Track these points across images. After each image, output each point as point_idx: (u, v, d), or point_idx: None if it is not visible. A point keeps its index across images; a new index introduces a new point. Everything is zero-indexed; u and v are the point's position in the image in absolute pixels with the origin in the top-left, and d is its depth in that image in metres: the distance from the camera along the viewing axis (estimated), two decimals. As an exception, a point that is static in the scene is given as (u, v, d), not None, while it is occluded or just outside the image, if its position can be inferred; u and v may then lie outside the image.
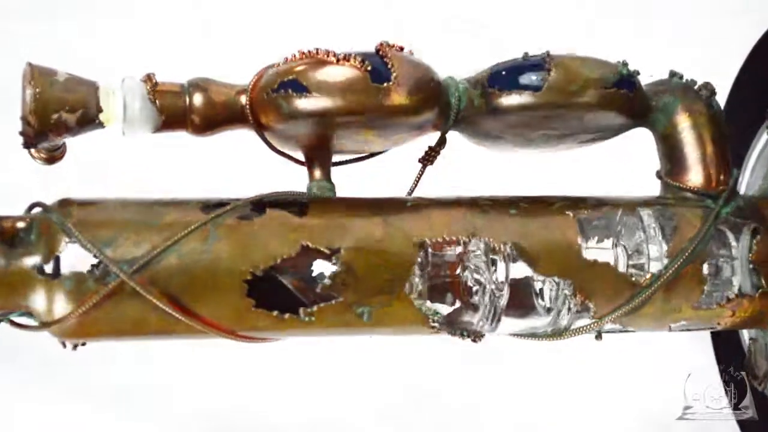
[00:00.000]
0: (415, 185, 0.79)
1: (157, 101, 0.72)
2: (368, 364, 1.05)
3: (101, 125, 0.71)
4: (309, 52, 0.72)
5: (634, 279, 0.75)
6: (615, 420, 1.02)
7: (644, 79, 0.80)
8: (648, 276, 0.75)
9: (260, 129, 0.73)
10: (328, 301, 0.71)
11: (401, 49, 0.74)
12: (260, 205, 0.72)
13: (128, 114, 0.71)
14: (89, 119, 0.70)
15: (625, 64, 0.77)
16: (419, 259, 0.72)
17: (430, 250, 0.72)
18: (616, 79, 0.76)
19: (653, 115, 0.78)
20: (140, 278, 0.68)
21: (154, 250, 0.69)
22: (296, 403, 1.03)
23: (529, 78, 0.75)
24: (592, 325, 0.75)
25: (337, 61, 0.71)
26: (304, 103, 0.71)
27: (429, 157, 0.78)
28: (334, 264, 0.71)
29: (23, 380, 1.02)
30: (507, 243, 0.73)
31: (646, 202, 0.77)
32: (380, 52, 0.72)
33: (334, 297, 0.71)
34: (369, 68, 0.71)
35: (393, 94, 0.71)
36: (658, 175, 0.80)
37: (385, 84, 0.71)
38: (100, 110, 0.70)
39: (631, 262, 0.75)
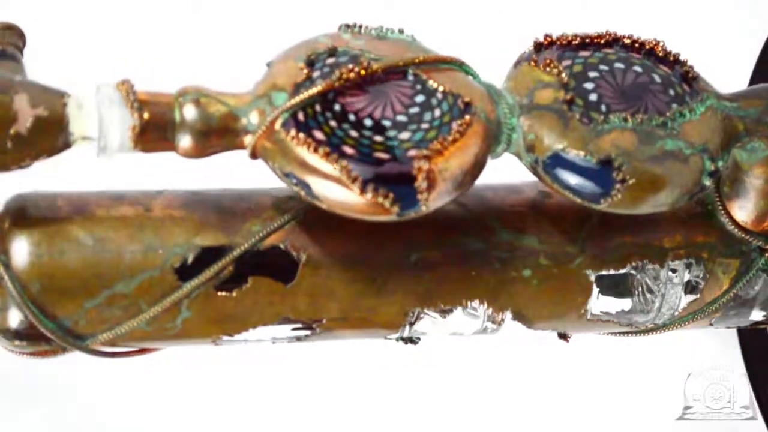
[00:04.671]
0: None
1: (140, 115, 0.58)
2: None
3: (68, 148, 0.60)
4: (348, 72, 0.59)
5: (633, 328, 0.71)
6: (615, 420, 1.02)
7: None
8: (650, 326, 0.71)
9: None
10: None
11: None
12: (245, 266, 0.63)
13: (104, 130, 0.58)
14: (55, 154, 0.59)
15: (711, 174, 0.63)
16: (406, 325, 0.67)
17: (418, 315, 0.67)
18: (693, 192, 0.64)
19: (735, 150, 0.66)
20: (100, 344, 0.64)
21: (117, 326, 0.62)
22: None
23: (591, 194, 0.62)
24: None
25: (362, 191, 0.58)
26: (313, 201, 0.59)
27: None
28: (313, 330, 0.66)
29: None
30: (507, 309, 0.67)
31: (684, 244, 0.69)
32: (416, 181, 0.58)
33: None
34: (396, 210, 0.58)
35: (419, 213, 0.60)
36: (714, 183, 0.70)
37: (412, 213, 0.59)
38: (68, 145, 0.59)
39: (636, 316, 0.70)
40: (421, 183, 0.58)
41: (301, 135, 0.58)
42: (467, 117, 0.60)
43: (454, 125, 0.60)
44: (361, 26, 0.64)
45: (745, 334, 0.93)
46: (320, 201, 0.59)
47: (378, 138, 0.59)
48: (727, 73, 0.86)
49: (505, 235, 0.66)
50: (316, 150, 0.57)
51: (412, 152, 0.58)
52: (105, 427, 1.00)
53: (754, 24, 0.94)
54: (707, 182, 0.63)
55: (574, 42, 0.65)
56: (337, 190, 0.58)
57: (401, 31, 0.64)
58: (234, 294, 0.63)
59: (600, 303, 0.69)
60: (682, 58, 0.66)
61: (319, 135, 0.58)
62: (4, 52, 0.62)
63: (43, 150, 0.58)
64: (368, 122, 0.59)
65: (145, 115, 0.58)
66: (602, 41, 0.66)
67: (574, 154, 0.61)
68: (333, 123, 0.59)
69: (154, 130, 0.58)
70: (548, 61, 0.64)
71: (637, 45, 0.66)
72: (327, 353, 1.00)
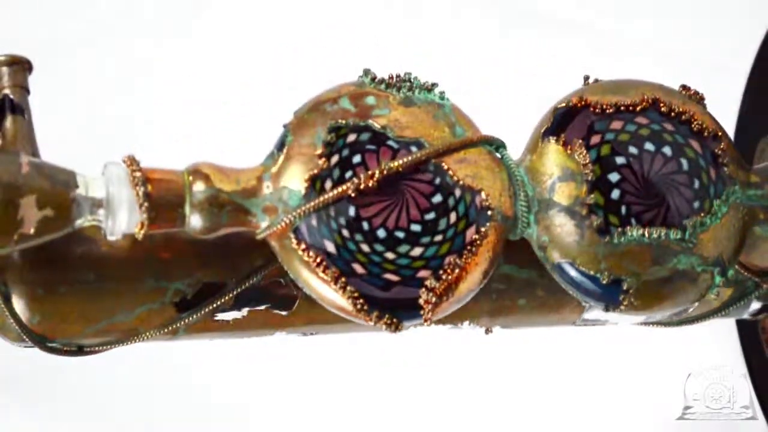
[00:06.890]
0: None
1: (149, 195, 0.55)
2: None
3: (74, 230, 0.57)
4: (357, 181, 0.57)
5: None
6: (616, 420, 1.01)
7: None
8: (637, 323, 0.71)
9: None
10: None
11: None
12: (244, 297, 0.63)
13: (112, 212, 0.56)
14: (60, 236, 0.57)
15: (716, 286, 0.62)
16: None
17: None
18: (695, 304, 0.64)
19: (751, 226, 0.64)
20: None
21: (116, 344, 0.62)
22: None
23: (595, 301, 0.61)
24: None
25: (367, 317, 0.57)
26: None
27: None
28: (304, 335, 0.66)
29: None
30: (496, 325, 0.67)
31: None
32: (422, 310, 0.58)
33: None
34: (398, 331, 0.58)
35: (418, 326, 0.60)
36: None
37: (411, 326, 0.59)
38: (74, 229, 0.57)
39: (625, 321, 0.70)
40: (426, 313, 0.57)
41: (312, 251, 0.56)
42: (483, 229, 0.58)
43: (468, 236, 0.58)
44: (385, 81, 0.60)
45: (745, 334, 0.93)
46: (320, 302, 0.58)
47: (389, 255, 0.57)
48: (726, 73, 0.86)
49: (507, 268, 0.66)
50: (325, 270, 0.56)
51: (422, 273, 0.57)
52: (105, 426, 1.00)
53: (754, 22, 0.94)
54: (713, 296, 0.62)
55: (608, 110, 0.62)
56: (341, 304, 0.57)
57: (429, 90, 0.61)
58: (231, 322, 0.63)
59: (591, 314, 0.69)
60: (719, 133, 0.63)
61: (329, 247, 0.57)
62: (11, 101, 0.60)
63: (47, 237, 0.56)
64: (381, 233, 0.57)
65: (153, 214, 0.56)
66: (638, 109, 0.62)
67: (585, 269, 0.60)
68: (345, 232, 0.57)
69: (162, 222, 0.57)
70: (577, 144, 0.61)
71: (673, 114, 0.63)
72: (326, 352, 1.00)
